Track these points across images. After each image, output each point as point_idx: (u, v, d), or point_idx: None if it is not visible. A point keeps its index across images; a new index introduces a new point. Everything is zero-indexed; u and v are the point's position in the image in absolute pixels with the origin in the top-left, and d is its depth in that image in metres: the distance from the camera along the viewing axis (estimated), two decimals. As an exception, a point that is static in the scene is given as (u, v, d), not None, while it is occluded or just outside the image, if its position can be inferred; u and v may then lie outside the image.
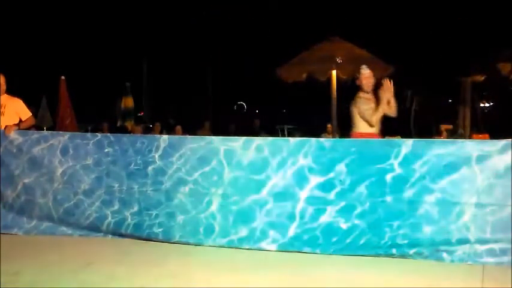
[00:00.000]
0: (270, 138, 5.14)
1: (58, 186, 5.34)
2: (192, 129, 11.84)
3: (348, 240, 4.60)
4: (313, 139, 4.96)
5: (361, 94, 5.82)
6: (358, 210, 4.61)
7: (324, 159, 4.74)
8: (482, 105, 18.65)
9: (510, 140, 4.38)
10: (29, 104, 6.10)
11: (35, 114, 7.09)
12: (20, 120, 5.85)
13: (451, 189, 4.43)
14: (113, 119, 13.52)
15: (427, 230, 4.45)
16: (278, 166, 4.84)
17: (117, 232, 5.18)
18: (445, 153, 4.46)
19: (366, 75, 5.86)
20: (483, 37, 13.46)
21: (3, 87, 5.86)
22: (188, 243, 4.94)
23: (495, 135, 8.41)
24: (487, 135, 10.61)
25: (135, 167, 5.17)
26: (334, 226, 4.65)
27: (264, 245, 4.79)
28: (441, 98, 17.94)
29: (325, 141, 4.96)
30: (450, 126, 13.24)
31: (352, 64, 9.74)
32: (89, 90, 18.06)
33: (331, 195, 4.68)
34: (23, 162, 5.42)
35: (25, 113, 5.93)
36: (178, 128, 11.84)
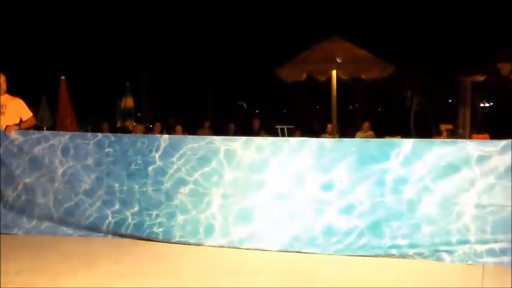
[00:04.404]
0: (270, 139, 5.14)
1: (58, 186, 5.34)
2: (192, 129, 11.84)
3: (347, 241, 4.61)
4: (313, 139, 4.97)
5: None
6: (358, 210, 4.62)
7: (324, 160, 4.75)
8: (482, 105, 18.66)
9: (510, 140, 4.38)
10: (29, 104, 6.10)
11: (35, 114, 7.09)
12: (21, 120, 5.85)
13: (450, 189, 4.43)
14: (113, 119, 13.51)
15: (427, 230, 4.45)
16: (278, 166, 4.85)
17: (117, 232, 5.18)
18: (445, 154, 4.46)
19: None
20: (483, 37, 13.46)
21: (4, 87, 5.87)
22: (188, 243, 4.94)
23: (495, 135, 8.42)
24: (487, 135, 10.61)
25: (136, 167, 5.17)
26: (334, 226, 4.66)
27: (264, 245, 4.79)
28: (441, 98, 17.95)
29: (325, 141, 4.97)
30: (450, 126, 13.24)
31: (352, 64, 9.77)
32: (89, 90, 18.05)
33: (331, 196, 4.69)
34: (23, 162, 5.42)
35: (26, 113, 5.93)
36: (179, 128, 11.84)
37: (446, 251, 4.41)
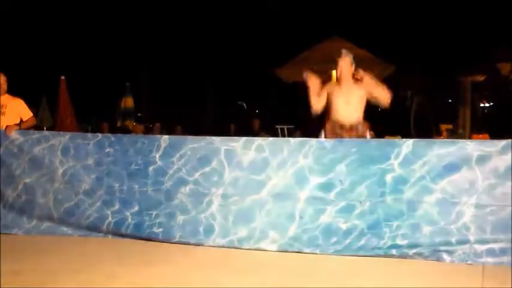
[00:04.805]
0: (271, 139, 5.14)
1: (59, 186, 5.34)
2: (193, 129, 11.85)
3: (347, 241, 4.60)
4: (314, 139, 4.97)
5: None
6: (358, 210, 4.62)
7: (324, 160, 4.75)
8: (482, 105, 18.65)
9: (510, 140, 4.38)
10: (29, 104, 6.11)
11: (35, 114, 7.10)
12: (21, 120, 5.86)
13: (451, 189, 4.43)
14: (113, 119, 13.51)
15: (427, 230, 4.45)
16: (278, 166, 4.85)
17: (117, 232, 5.18)
18: (446, 154, 4.46)
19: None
20: (483, 37, 13.47)
21: (4, 87, 5.88)
22: (188, 243, 4.94)
23: (495, 135, 8.42)
24: (487, 135, 10.61)
25: (136, 167, 5.18)
26: (333, 226, 4.66)
27: (264, 245, 4.79)
28: (441, 98, 17.94)
29: (326, 141, 4.97)
30: (450, 126, 13.25)
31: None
32: (89, 90, 18.05)
33: (331, 196, 4.69)
34: (23, 162, 5.42)
35: (26, 113, 5.94)
36: (178, 128, 11.84)
37: (446, 251, 4.41)
